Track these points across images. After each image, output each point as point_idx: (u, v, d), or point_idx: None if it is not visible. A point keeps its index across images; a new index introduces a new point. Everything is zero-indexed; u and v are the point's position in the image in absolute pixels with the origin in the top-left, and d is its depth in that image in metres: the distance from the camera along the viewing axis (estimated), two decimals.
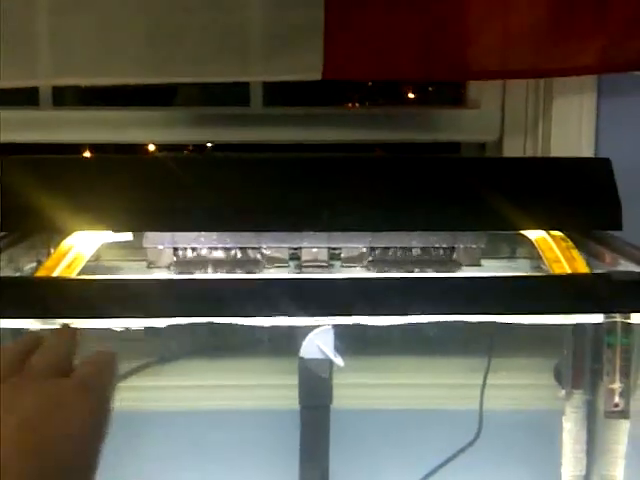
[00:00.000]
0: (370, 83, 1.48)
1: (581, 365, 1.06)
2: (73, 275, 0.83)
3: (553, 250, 0.88)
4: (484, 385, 1.12)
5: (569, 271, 0.83)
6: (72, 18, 1.11)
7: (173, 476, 1.16)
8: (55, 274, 0.82)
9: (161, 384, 1.16)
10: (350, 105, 1.48)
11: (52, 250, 1.01)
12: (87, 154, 1.37)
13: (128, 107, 1.27)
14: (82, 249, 0.89)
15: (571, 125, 1.20)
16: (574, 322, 0.96)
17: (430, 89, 1.51)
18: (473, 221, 0.97)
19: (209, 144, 1.39)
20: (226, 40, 1.12)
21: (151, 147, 1.40)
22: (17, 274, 0.96)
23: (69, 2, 1.12)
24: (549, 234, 0.92)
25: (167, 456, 1.15)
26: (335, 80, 1.13)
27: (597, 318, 0.87)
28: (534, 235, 0.94)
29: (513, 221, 0.92)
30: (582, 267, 0.84)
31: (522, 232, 0.96)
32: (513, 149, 1.24)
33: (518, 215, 0.92)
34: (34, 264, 1.01)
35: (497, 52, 1.12)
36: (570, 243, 0.89)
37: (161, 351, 1.13)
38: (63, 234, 0.94)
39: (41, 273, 0.83)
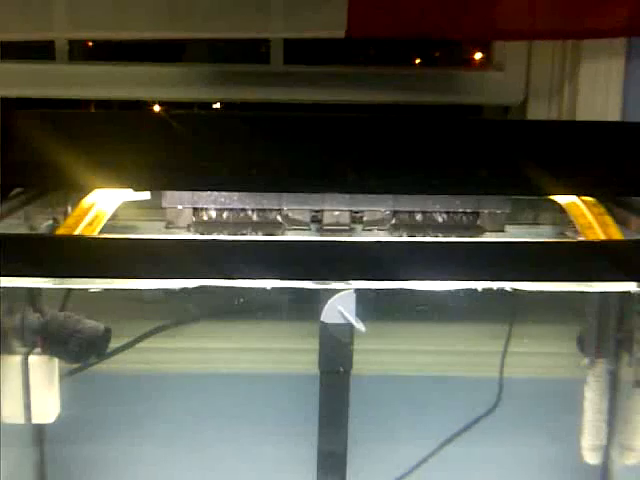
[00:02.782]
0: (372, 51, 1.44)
1: (606, 334, 1.04)
2: (95, 234, 0.81)
3: (585, 216, 0.86)
4: (505, 352, 1.10)
5: (603, 237, 0.81)
6: None
7: (189, 438, 1.15)
8: (77, 232, 0.80)
9: (179, 346, 1.15)
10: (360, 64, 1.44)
11: (69, 208, 0.99)
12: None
13: (144, 63, 1.24)
14: (103, 207, 0.87)
15: (598, 90, 1.17)
16: (603, 290, 0.94)
17: (437, 53, 1.47)
18: (500, 185, 0.95)
19: (216, 104, 1.36)
20: None
21: (156, 108, 1.37)
22: (32, 232, 0.94)
23: None
24: (581, 199, 0.89)
25: (182, 418, 1.15)
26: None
27: (627, 286, 0.85)
28: (564, 200, 0.92)
29: (542, 186, 0.90)
30: (616, 234, 0.82)
31: (551, 198, 0.93)
32: (537, 113, 1.22)
33: (547, 180, 0.90)
34: (50, 222, 0.99)
35: (524, 11, 1.09)
36: (603, 209, 0.87)
37: (180, 313, 1.12)
38: (81, 192, 0.92)
39: (62, 231, 0.81)
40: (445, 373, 1.15)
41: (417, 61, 1.43)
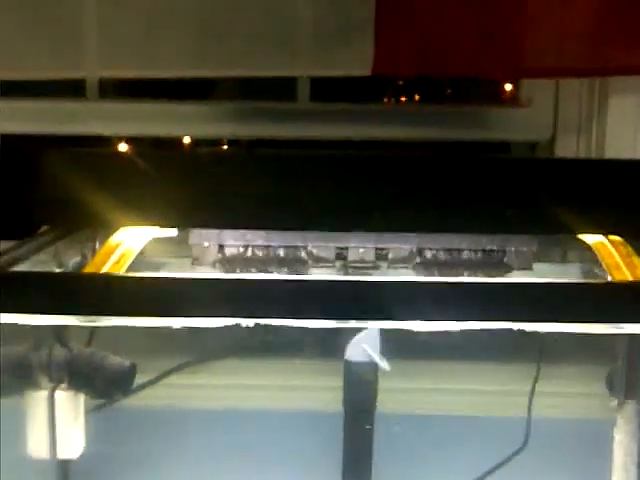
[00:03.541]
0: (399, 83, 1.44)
1: (635, 374, 1.02)
2: (122, 272, 0.81)
3: (613, 256, 0.85)
4: (533, 392, 1.09)
5: (630, 278, 0.80)
6: (120, 9, 1.11)
7: (213, 475, 1.15)
8: (104, 270, 0.80)
9: (204, 383, 1.15)
10: (387, 101, 1.45)
11: (97, 245, 1.00)
12: (123, 146, 1.35)
13: (173, 100, 1.26)
14: (130, 245, 0.88)
15: (626, 126, 1.17)
16: (631, 332, 0.92)
17: (464, 85, 1.47)
18: (527, 224, 0.94)
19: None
20: (275, 34, 1.10)
21: (186, 139, 1.38)
22: (61, 269, 0.95)
23: None
24: (608, 239, 0.88)
25: (207, 455, 1.14)
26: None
27: None
28: (592, 240, 0.91)
29: (569, 224, 0.89)
30: None
31: (578, 236, 0.93)
32: (565, 149, 1.21)
33: (574, 218, 0.89)
34: (78, 258, 1.00)
35: (552, 49, 1.09)
36: (630, 249, 0.86)
37: (205, 349, 1.12)
38: (108, 229, 0.93)
39: (89, 269, 0.82)
40: (472, 413, 1.14)
41: (448, 92, 1.43)
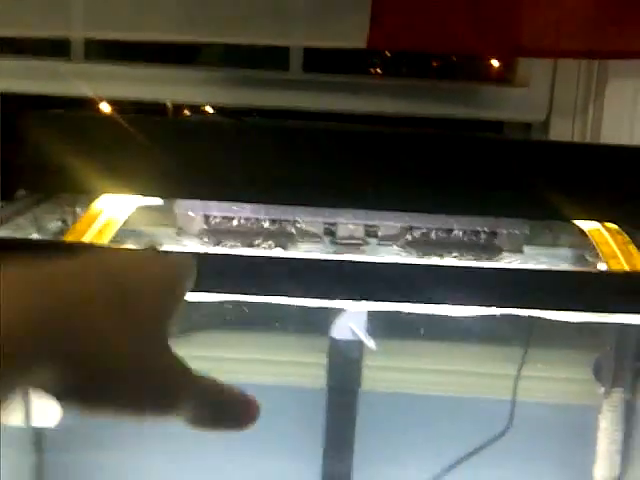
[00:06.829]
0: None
1: (623, 363, 1.02)
2: (105, 242, 0.78)
3: (609, 244, 0.83)
4: (518, 376, 1.08)
5: (627, 268, 0.78)
6: None
7: (190, 448, 1.13)
8: (85, 239, 0.78)
9: (186, 354, 1.12)
10: (375, 73, 1.41)
11: (78, 210, 0.97)
12: (106, 109, 1.30)
13: (160, 64, 1.22)
14: (113, 214, 0.85)
15: (623, 109, 1.14)
16: (623, 321, 0.91)
17: (462, 62, 1.44)
18: (520, 208, 0.92)
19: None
20: (270, 1, 1.06)
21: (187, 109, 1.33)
22: (40, 234, 0.93)
23: None
24: (604, 226, 0.87)
25: (185, 428, 1.12)
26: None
27: None
28: (587, 226, 0.89)
29: (565, 210, 0.87)
30: None
31: (574, 222, 0.91)
32: (560, 131, 1.19)
33: (569, 204, 0.87)
34: (59, 223, 0.97)
35: (550, 29, 1.06)
36: (627, 238, 0.84)
37: (187, 321, 1.09)
38: (89, 196, 0.90)
39: (70, 237, 0.79)
40: (456, 394, 1.12)
41: (435, 64, 1.39)
